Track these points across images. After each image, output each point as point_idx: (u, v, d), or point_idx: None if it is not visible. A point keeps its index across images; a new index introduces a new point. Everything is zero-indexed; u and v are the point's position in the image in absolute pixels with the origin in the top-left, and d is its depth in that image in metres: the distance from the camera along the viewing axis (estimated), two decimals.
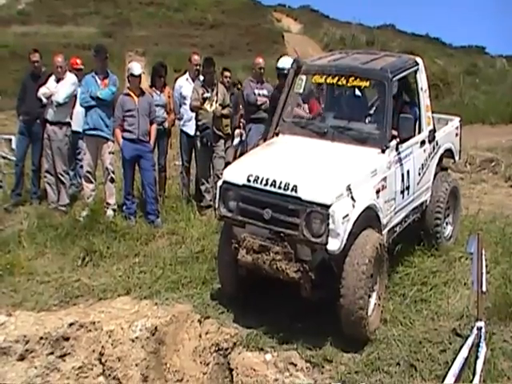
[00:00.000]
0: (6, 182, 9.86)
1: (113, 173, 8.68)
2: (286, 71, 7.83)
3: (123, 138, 8.27)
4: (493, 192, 11.13)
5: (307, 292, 5.50)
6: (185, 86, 9.11)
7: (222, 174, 6.94)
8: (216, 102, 8.62)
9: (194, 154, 9.20)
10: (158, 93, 8.99)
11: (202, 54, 10.11)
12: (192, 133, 8.96)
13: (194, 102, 8.58)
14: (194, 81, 9.04)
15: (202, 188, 8.83)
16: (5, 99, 10.47)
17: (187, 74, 9.36)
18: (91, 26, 32.75)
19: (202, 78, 8.83)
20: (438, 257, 7.00)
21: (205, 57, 9.13)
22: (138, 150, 8.28)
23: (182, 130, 9.27)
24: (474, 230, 7.41)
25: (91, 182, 8.76)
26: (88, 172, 8.70)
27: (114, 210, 8.49)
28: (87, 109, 8.57)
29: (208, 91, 8.59)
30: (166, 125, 9.12)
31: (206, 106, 8.58)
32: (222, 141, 8.89)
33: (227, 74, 9.59)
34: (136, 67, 8.43)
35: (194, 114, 8.81)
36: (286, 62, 8.35)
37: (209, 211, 8.49)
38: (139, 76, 8.37)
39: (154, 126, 8.49)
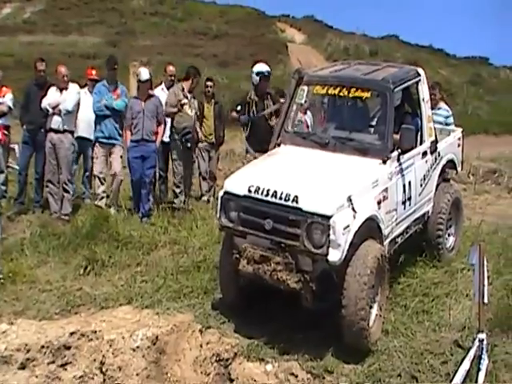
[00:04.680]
0: (9, 191, 9.88)
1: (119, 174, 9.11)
2: (265, 73, 8.63)
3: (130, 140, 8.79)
4: (496, 203, 11.16)
5: (308, 302, 5.49)
6: (160, 95, 9.39)
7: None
8: (194, 107, 9.13)
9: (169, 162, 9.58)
10: None
11: (206, 65, 10.33)
12: (167, 140, 9.32)
13: (171, 109, 8.90)
14: (168, 90, 9.42)
15: (177, 190, 9.13)
16: None
17: (163, 84, 9.78)
18: (96, 35, 32.93)
19: (183, 84, 9.12)
20: (439, 268, 6.99)
21: (193, 66, 9.60)
22: (142, 151, 8.76)
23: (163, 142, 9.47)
24: (476, 240, 7.36)
25: (102, 184, 9.18)
26: (100, 174, 9.13)
27: (116, 210, 8.95)
28: (100, 118, 8.98)
29: (188, 97, 8.98)
30: None
31: (187, 110, 8.96)
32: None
33: (210, 83, 10.12)
34: (144, 73, 8.88)
35: (169, 120, 9.15)
36: (261, 67, 8.85)
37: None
38: (147, 81, 8.82)
39: (162, 127, 8.96)
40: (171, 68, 9.76)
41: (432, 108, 7.47)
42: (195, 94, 9.37)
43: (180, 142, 9.01)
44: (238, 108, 8.81)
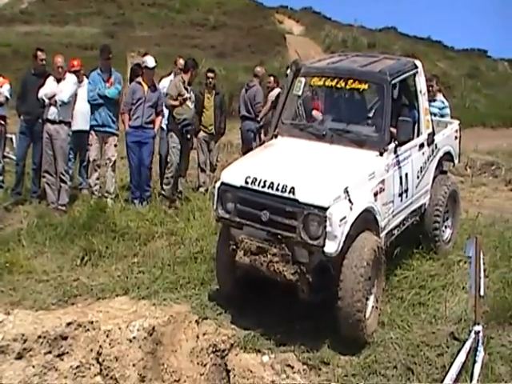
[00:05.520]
0: (6, 181, 9.87)
1: (114, 163, 9.25)
2: None
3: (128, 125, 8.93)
4: (493, 195, 11.15)
5: (305, 294, 5.50)
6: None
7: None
8: (192, 99, 9.27)
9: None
10: None
11: (204, 56, 10.33)
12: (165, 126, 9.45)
13: (172, 101, 9.02)
14: None
15: (182, 180, 9.39)
16: None
17: (172, 75, 9.86)
18: (93, 26, 32.73)
19: (184, 77, 9.21)
20: (436, 260, 6.99)
21: (192, 58, 9.68)
22: (141, 136, 8.92)
23: (163, 128, 9.54)
24: (473, 233, 7.36)
25: (96, 171, 9.27)
26: (94, 161, 9.20)
27: (112, 199, 9.02)
28: (95, 106, 9.06)
29: (188, 90, 9.14)
30: None
31: (188, 102, 9.12)
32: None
33: (211, 74, 10.13)
34: (150, 60, 9.06)
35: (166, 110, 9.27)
36: None
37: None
38: (153, 68, 9.00)
39: (160, 118, 9.11)
40: (181, 61, 9.78)
41: (429, 100, 7.46)
42: (193, 85, 9.42)
43: (180, 132, 9.10)
44: None
